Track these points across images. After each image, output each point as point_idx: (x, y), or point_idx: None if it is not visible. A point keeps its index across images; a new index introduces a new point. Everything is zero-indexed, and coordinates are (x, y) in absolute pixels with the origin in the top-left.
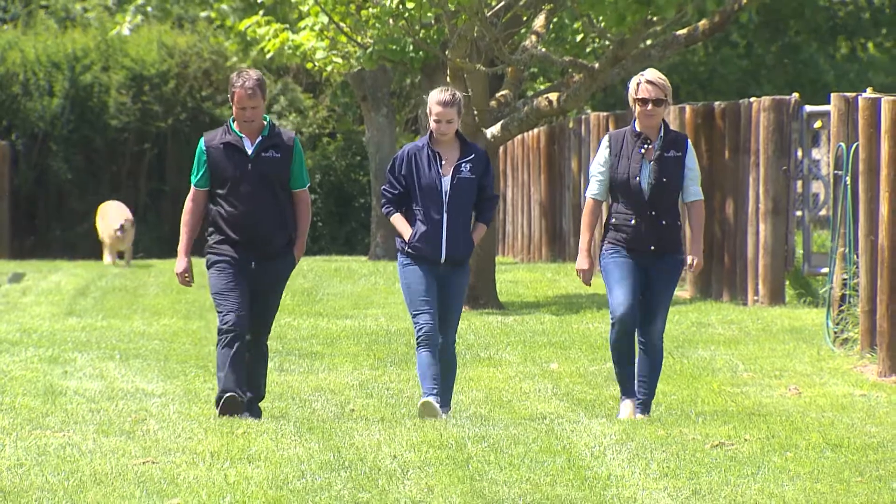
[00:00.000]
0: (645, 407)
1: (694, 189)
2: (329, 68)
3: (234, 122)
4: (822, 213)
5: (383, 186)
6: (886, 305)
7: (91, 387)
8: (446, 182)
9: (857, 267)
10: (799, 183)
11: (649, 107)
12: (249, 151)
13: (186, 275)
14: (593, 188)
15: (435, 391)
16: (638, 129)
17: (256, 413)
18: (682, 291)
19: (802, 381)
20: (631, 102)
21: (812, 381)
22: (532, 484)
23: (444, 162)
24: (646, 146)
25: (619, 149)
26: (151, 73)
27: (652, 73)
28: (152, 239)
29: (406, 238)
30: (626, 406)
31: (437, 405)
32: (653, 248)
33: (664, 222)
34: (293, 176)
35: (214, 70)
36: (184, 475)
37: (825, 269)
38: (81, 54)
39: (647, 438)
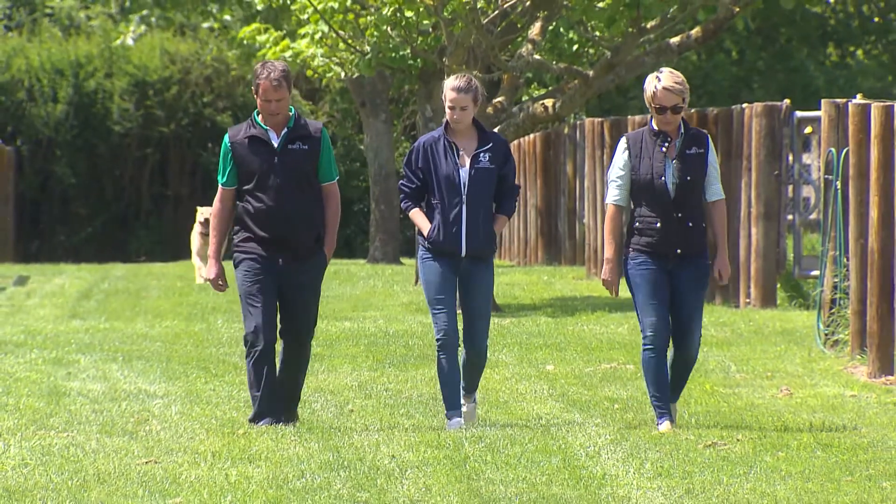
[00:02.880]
0: (674, 396)
1: (716, 187)
2: (329, 75)
3: (258, 115)
4: (813, 216)
5: (401, 181)
6: (876, 307)
7: (94, 388)
8: (464, 173)
9: (848, 270)
10: (790, 187)
11: (667, 115)
12: (275, 144)
13: (220, 281)
14: (613, 194)
15: (458, 409)
16: (657, 127)
17: (292, 417)
18: None
19: (794, 382)
20: (647, 103)
21: (803, 382)
22: (528, 483)
23: (461, 152)
24: (667, 144)
25: (638, 149)
26: (154, 79)
27: (668, 79)
28: (154, 242)
29: (425, 233)
30: (665, 427)
31: (462, 424)
32: (679, 251)
33: (690, 224)
34: (321, 169)
35: (216, 77)
36: (186, 475)
37: (816, 272)
38: (85, 61)
39: (640, 438)
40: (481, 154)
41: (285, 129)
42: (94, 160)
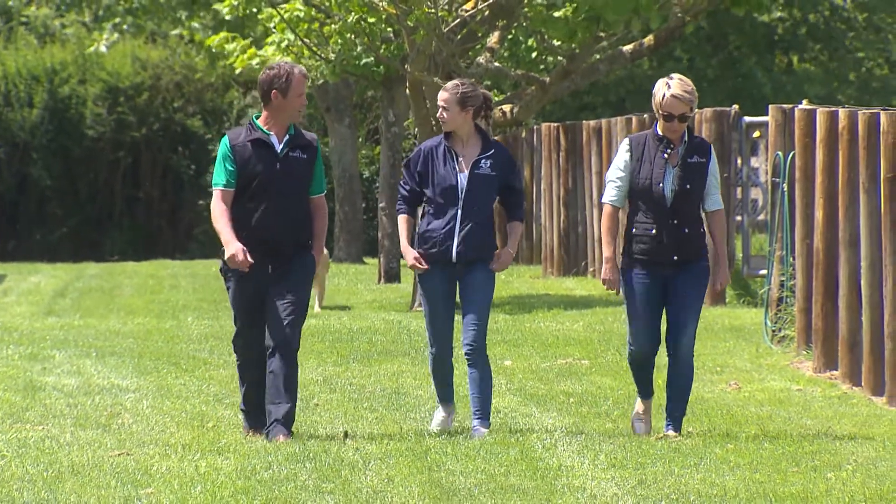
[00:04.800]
0: (677, 425)
1: (716, 197)
2: None
3: (257, 119)
4: (761, 218)
5: (400, 182)
6: (821, 305)
7: (69, 382)
8: (463, 178)
9: (794, 269)
10: (739, 189)
11: (674, 123)
12: (278, 149)
13: (241, 256)
14: (611, 193)
15: (449, 401)
16: (661, 132)
17: (287, 428)
18: None
19: (742, 376)
20: (655, 109)
21: (751, 376)
22: (487, 474)
23: (460, 158)
24: (669, 150)
25: (640, 153)
26: (126, 85)
27: (678, 86)
28: (126, 242)
29: (404, 241)
30: (641, 405)
31: (447, 417)
32: (675, 258)
33: (686, 231)
34: (314, 180)
35: (185, 83)
36: (157, 466)
37: (763, 271)
38: (60, 68)
39: (595, 431)
40: (482, 160)
41: (287, 136)
42: (69, 163)
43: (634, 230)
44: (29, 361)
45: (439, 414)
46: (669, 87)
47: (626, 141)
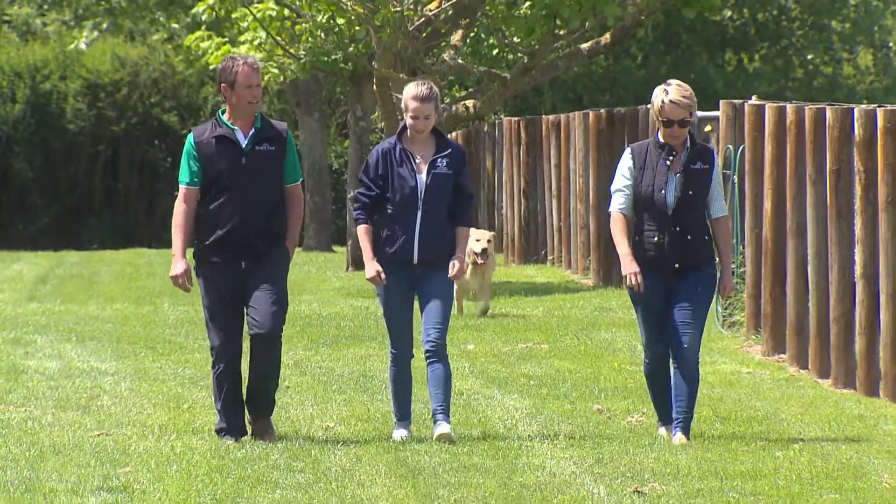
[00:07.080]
0: (684, 428)
1: (721, 203)
2: (266, 77)
3: (223, 114)
4: None
5: (358, 190)
6: (770, 291)
7: (50, 366)
8: (421, 179)
9: (744, 257)
10: None
11: (674, 129)
12: (243, 144)
13: (183, 278)
14: (619, 201)
15: (406, 419)
16: (662, 140)
17: (265, 431)
18: (586, 279)
19: None
20: (654, 116)
21: (703, 360)
22: (450, 453)
23: (418, 159)
24: (671, 157)
25: (643, 161)
26: (105, 81)
27: (676, 92)
28: (105, 232)
29: (367, 258)
30: (665, 431)
31: (408, 436)
32: (677, 265)
33: (689, 238)
34: (286, 170)
35: (162, 79)
36: (135, 446)
37: (714, 259)
38: (41, 65)
39: (554, 412)
40: (439, 160)
41: (252, 130)
42: (50, 156)
43: (637, 237)
44: (11, 346)
45: (397, 434)
46: (667, 94)
47: (628, 150)
